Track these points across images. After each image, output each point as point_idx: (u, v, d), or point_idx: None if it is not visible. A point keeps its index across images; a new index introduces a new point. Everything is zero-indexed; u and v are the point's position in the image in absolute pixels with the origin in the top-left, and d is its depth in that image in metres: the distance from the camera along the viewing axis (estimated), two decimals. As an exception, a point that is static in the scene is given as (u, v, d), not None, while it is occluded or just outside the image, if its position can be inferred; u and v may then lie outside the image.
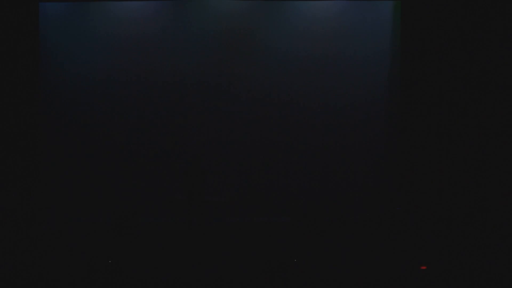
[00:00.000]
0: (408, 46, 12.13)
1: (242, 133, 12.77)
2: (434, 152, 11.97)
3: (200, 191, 11.40)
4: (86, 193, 12.54)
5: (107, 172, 12.63)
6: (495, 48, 11.77)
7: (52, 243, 10.81)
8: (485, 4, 11.79)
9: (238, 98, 12.77)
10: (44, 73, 12.46)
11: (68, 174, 12.57)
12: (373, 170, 12.68)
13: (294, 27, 12.65)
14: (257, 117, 12.77)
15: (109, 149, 12.68)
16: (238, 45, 12.71)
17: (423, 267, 8.46)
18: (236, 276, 8.71)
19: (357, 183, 12.67)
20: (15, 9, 11.90)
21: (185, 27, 12.70)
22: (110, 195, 12.54)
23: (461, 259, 9.52)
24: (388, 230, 11.78)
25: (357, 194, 12.60)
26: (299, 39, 12.66)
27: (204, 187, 11.48)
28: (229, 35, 12.68)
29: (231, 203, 12.27)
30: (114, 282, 7.96)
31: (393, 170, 12.53)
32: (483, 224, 11.36)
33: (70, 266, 9.07)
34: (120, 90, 12.71)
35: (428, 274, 8.87)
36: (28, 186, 11.90)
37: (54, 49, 12.57)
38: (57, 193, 12.50)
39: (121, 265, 7.97)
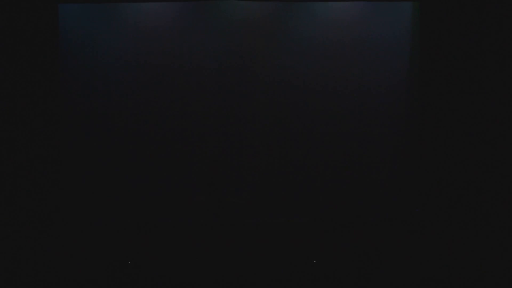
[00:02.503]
0: (427, 41, 12.12)
1: (262, 132, 12.73)
2: (458, 150, 11.89)
3: (219, 191, 11.38)
4: (104, 191, 12.52)
5: (126, 171, 12.59)
6: None
7: (70, 242, 10.83)
8: (507, 4, 11.71)
9: (260, 93, 12.73)
10: (63, 68, 12.39)
11: (85, 172, 12.54)
12: (394, 168, 12.63)
13: (318, 16, 12.57)
14: (275, 115, 12.75)
15: (128, 148, 12.62)
16: (261, 32, 12.64)
17: None
18: (255, 276, 8.69)
19: (376, 181, 12.61)
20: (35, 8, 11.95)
21: (208, 18, 12.60)
22: (128, 194, 12.54)
23: (484, 263, 9.44)
24: (406, 232, 11.72)
25: (376, 193, 12.54)
26: (321, 27, 12.57)
27: (224, 187, 11.45)
28: (253, 23, 12.59)
29: (250, 203, 12.24)
30: (132, 283, 7.97)
31: (414, 168, 12.46)
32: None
33: (88, 267, 9.08)
34: (139, 88, 12.64)
35: (449, 277, 8.81)
36: (46, 184, 11.92)
37: (73, 45, 12.57)
38: (75, 192, 12.47)
39: (140, 266, 7.97)
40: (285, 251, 10.07)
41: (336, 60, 12.76)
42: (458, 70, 12.02)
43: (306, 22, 12.78)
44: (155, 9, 12.62)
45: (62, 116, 12.42)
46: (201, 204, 11.64)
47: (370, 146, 12.75)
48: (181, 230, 11.75)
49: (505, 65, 11.78)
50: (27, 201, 11.66)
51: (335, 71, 12.77)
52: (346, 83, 12.76)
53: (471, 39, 11.97)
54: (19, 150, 11.83)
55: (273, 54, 12.79)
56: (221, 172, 11.51)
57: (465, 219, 11.59)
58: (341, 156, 12.77)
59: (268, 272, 8.85)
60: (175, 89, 12.77)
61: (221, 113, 12.83)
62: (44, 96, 12.04)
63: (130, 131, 12.76)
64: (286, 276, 8.40)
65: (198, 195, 11.82)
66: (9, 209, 11.53)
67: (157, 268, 9.03)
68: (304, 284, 8.21)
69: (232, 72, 12.79)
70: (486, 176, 11.73)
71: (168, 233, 11.57)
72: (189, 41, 12.69)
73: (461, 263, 9.51)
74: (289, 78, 12.81)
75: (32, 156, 11.90)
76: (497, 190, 11.51)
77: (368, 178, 12.72)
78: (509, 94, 11.82)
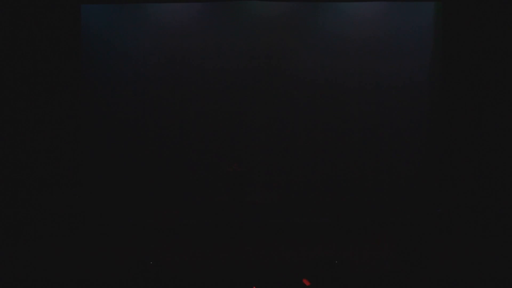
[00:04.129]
0: (449, 40, 12.11)
1: (283, 132, 12.78)
2: (480, 149, 11.84)
3: (242, 192, 11.37)
4: (126, 190, 12.62)
5: (148, 171, 12.69)
6: None
7: (93, 242, 10.91)
8: None
9: (284, 92, 12.80)
10: (85, 67, 12.53)
11: (107, 171, 12.68)
12: (415, 167, 12.65)
13: (342, 15, 12.66)
14: (297, 117, 12.80)
15: (149, 148, 12.76)
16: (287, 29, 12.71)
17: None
18: (276, 276, 8.69)
19: (397, 181, 12.63)
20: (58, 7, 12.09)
21: (230, 17, 12.72)
22: (149, 194, 12.61)
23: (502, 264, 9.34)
24: (428, 232, 11.68)
25: (397, 192, 12.52)
26: (344, 25, 12.66)
27: (247, 188, 11.44)
28: (275, 22, 12.68)
29: (273, 204, 12.24)
30: (154, 282, 8.01)
31: (436, 167, 12.44)
32: None
33: (110, 266, 9.13)
34: (161, 87, 12.80)
35: (466, 277, 8.72)
36: (69, 183, 12.04)
37: (96, 45, 12.68)
38: (96, 193, 12.56)
39: (162, 266, 8.03)
40: (306, 251, 10.06)
41: (359, 57, 12.71)
42: (480, 69, 11.94)
43: (329, 21, 12.71)
44: (177, 9, 12.66)
45: (84, 113, 12.50)
46: (223, 204, 11.67)
47: (391, 144, 12.75)
48: (203, 228, 11.83)
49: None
50: (49, 198, 11.86)
51: (358, 69, 12.74)
52: (368, 80, 12.75)
53: (494, 38, 11.88)
54: (40, 148, 11.99)
55: (296, 52, 12.76)
56: (244, 172, 11.51)
57: (488, 219, 11.58)
58: (363, 154, 12.79)
59: (289, 271, 8.84)
60: (198, 88, 12.84)
61: (244, 112, 12.87)
62: (67, 94, 12.12)
63: (151, 129, 12.78)
64: (308, 275, 8.39)
65: (220, 194, 11.84)
66: (32, 207, 11.73)
67: (180, 268, 9.05)
68: (327, 283, 8.19)
69: (255, 70, 12.82)
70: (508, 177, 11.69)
71: (191, 233, 11.67)
72: (212, 40, 12.74)
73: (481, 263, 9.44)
74: (312, 75, 12.78)
75: (54, 153, 12.03)
76: None
77: (388, 177, 12.73)
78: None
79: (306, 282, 7.22)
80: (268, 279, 8.55)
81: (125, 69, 12.68)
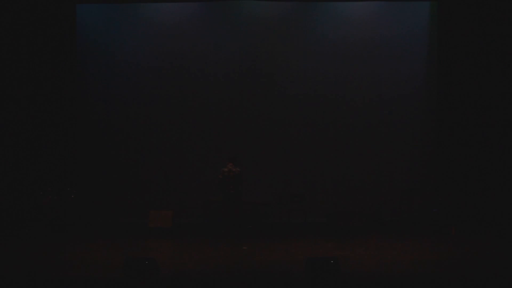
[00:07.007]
0: (445, 40, 12.18)
1: (280, 132, 12.74)
2: (476, 151, 11.85)
3: (237, 192, 11.34)
4: (120, 192, 12.58)
5: (143, 172, 12.66)
6: None
7: (87, 242, 10.85)
8: None
9: (278, 93, 12.81)
10: (81, 66, 12.56)
11: (103, 171, 12.68)
12: (410, 168, 12.67)
13: (336, 15, 12.68)
14: (294, 117, 12.78)
15: (145, 149, 12.73)
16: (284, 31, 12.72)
17: None
18: (273, 276, 8.64)
19: (393, 182, 12.63)
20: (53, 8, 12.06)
21: (226, 17, 12.74)
22: (145, 195, 12.55)
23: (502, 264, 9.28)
24: (425, 232, 11.64)
25: (394, 193, 12.48)
26: (339, 26, 12.69)
27: (242, 188, 11.41)
28: (270, 22, 12.70)
29: (269, 204, 12.23)
30: (150, 282, 7.96)
31: (433, 169, 12.41)
32: None
33: (106, 266, 9.09)
34: (156, 87, 12.80)
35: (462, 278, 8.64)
36: (63, 181, 12.02)
37: (91, 45, 12.66)
38: (91, 192, 12.52)
39: (157, 265, 7.97)
40: (303, 251, 10.02)
41: (354, 59, 12.72)
42: (477, 69, 11.97)
43: (324, 21, 12.73)
44: (173, 9, 12.67)
45: (79, 112, 12.56)
46: (220, 205, 11.65)
47: (387, 143, 12.78)
48: (200, 230, 11.83)
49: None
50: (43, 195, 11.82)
51: (353, 70, 12.75)
52: (364, 80, 12.76)
53: (491, 39, 11.90)
54: (35, 147, 11.99)
55: (290, 52, 12.76)
56: (238, 172, 11.46)
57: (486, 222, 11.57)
58: (358, 155, 12.81)
59: (286, 271, 8.80)
60: (193, 87, 12.80)
61: (239, 112, 12.85)
62: (62, 93, 12.22)
63: (146, 127, 12.77)
64: (304, 275, 8.35)
65: (215, 194, 11.81)
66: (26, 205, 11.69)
67: (175, 268, 9.01)
68: (324, 283, 8.15)
69: (250, 70, 12.80)
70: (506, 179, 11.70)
71: (186, 233, 11.62)
72: (208, 40, 12.74)
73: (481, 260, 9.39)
74: (307, 75, 12.78)
75: (49, 152, 12.10)
76: None
77: (383, 178, 12.74)
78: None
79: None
80: (263, 278, 8.51)
81: (120, 68, 12.69)
